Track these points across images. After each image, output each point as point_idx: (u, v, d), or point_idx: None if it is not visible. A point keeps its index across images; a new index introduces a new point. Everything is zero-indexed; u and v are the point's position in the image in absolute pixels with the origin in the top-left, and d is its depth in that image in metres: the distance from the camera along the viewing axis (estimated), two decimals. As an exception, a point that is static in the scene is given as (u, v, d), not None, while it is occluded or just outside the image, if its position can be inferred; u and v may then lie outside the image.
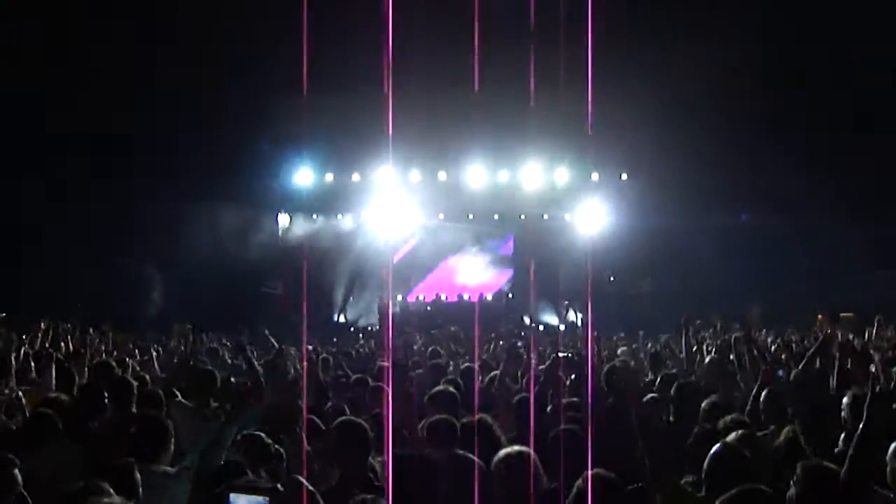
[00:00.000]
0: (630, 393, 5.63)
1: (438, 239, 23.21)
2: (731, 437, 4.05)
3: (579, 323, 19.39)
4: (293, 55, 16.90)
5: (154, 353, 7.80)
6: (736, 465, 3.55)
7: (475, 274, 23.04)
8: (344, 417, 4.23)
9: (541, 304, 20.66)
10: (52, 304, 14.65)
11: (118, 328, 9.50)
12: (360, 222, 22.06)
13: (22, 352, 6.08)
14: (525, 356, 7.70)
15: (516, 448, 3.75)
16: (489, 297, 22.62)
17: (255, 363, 6.03)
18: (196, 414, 5.19)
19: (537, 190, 21.10)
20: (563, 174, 20.91)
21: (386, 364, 6.49)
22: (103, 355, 7.11)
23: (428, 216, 22.75)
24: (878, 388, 3.25)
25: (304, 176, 21.68)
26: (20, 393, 5.21)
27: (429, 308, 22.11)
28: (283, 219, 22.25)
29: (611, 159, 20.53)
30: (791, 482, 3.29)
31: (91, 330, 8.98)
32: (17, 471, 3.48)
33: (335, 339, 14.32)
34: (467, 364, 7.31)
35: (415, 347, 9.80)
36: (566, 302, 19.62)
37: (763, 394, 4.96)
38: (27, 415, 4.83)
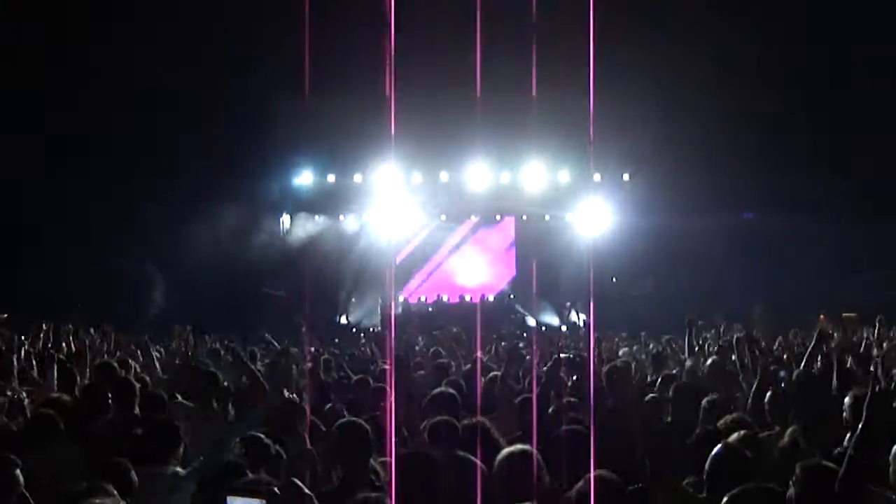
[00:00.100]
0: (631, 394, 5.64)
1: (440, 240, 23.22)
2: (733, 437, 4.06)
3: (581, 324, 19.40)
4: (295, 55, 16.96)
5: (156, 355, 7.79)
6: (737, 466, 3.55)
7: (477, 274, 23.04)
8: (346, 419, 4.22)
9: (543, 304, 20.66)
10: (53, 304, 14.68)
11: (119, 329, 9.48)
12: (362, 223, 22.07)
13: (23, 352, 6.07)
14: (527, 357, 7.70)
15: (519, 446, 3.74)
16: (491, 297, 22.61)
17: (252, 366, 6.03)
18: (198, 415, 5.19)
19: (539, 190, 21.10)
20: (564, 175, 20.91)
21: (387, 366, 6.50)
22: (105, 356, 7.10)
23: (430, 217, 22.76)
24: (877, 388, 3.25)
25: (305, 176, 21.68)
26: (24, 394, 5.21)
27: (430, 309, 22.10)
28: (286, 220, 22.25)
29: (613, 159, 20.53)
30: (790, 482, 3.29)
31: (92, 330, 8.97)
32: (18, 471, 3.48)
33: (337, 340, 14.30)
34: (469, 365, 7.30)
35: (416, 348, 9.80)
36: (568, 304, 19.65)
37: (767, 395, 4.96)
38: (28, 416, 4.83)
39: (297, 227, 21.93)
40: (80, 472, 3.72)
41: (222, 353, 8.01)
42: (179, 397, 5.51)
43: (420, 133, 17.64)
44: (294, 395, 5.78)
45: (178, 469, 3.90)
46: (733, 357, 6.52)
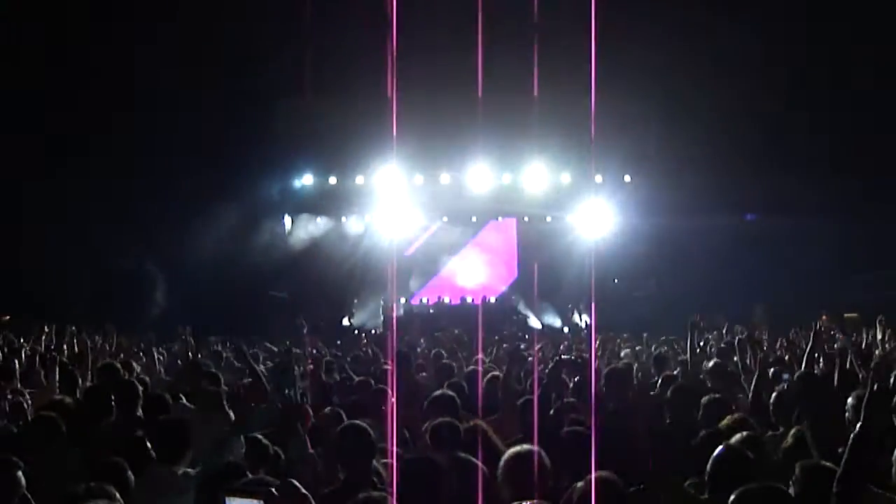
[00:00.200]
0: (632, 395, 5.64)
1: (442, 241, 23.21)
2: (735, 438, 4.05)
3: (583, 325, 19.40)
4: (296, 56, 16.97)
5: (158, 357, 7.80)
6: (739, 467, 3.55)
7: (478, 275, 23.04)
8: (348, 421, 4.22)
9: (544, 305, 20.66)
10: (53, 304, 14.68)
11: (120, 330, 9.49)
12: (364, 225, 22.06)
13: (23, 354, 6.08)
14: (528, 358, 7.70)
15: (526, 447, 3.73)
16: (492, 299, 22.60)
17: (256, 367, 6.03)
18: (199, 417, 5.18)
19: (540, 192, 21.10)
20: (566, 176, 20.91)
21: (388, 367, 6.49)
22: (107, 358, 7.10)
23: (431, 219, 22.76)
24: (875, 387, 3.25)
25: (307, 178, 21.69)
26: (27, 395, 5.21)
27: (431, 311, 22.10)
28: (287, 221, 22.25)
29: (614, 161, 20.51)
30: (790, 482, 3.29)
31: (96, 335, 8.98)
32: (20, 473, 3.47)
33: (339, 342, 14.30)
34: (472, 367, 7.30)
35: (418, 350, 9.79)
36: (569, 305, 19.63)
37: (772, 396, 4.96)
38: (29, 418, 4.82)
39: (299, 229, 21.92)
40: (81, 473, 3.71)
41: (224, 354, 8.02)
42: (183, 398, 5.51)
43: (422, 134, 17.64)
44: (295, 396, 5.79)
45: (189, 470, 3.92)
46: (735, 358, 6.52)
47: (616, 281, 21.49)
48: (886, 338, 8.43)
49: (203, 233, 16.94)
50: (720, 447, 3.72)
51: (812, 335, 5.99)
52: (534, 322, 19.98)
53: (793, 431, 4.29)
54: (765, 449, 4.19)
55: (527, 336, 14.63)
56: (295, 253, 21.13)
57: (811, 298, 16.39)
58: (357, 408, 5.49)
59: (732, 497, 3.06)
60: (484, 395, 6.02)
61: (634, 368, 7.47)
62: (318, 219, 22.21)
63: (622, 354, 9.64)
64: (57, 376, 5.67)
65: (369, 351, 10.14)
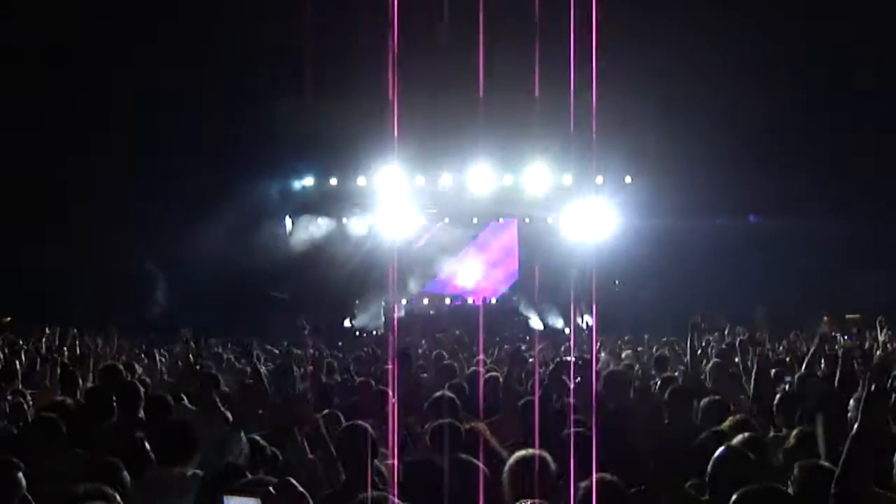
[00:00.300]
0: (633, 396, 5.64)
1: (443, 242, 23.18)
2: (736, 440, 4.05)
3: (585, 326, 19.38)
4: (297, 57, 16.95)
5: (159, 359, 7.80)
6: (740, 468, 3.55)
7: (479, 276, 23.02)
8: (350, 422, 4.22)
9: (546, 307, 20.63)
10: (53, 305, 14.68)
11: (121, 330, 9.49)
12: (367, 225, 22.02)
13: (24, 355, 6.08)
14: (529, 360, 7.69)
15: (530, 451, 3.72)
16: (493, 300, 22.59)
17: (259, 368, 6.02)
18: (200, 418, 5.18)
19: (541, 193, 21.09)
20: (567, 177, 20.90)
21: (388, 367, 6.49)
22: (108, 359, 7.10)
23: (432, 220, 22.74)
24: (873, 387, 3.25)
25: (308, 179, 21.68)
26: (28, 396, 5.20)
27: (432, 312, 22.07)
28: (288, 222, 22.24)
29: (615, 162, 20.50)
30: (789, 482, 3.29)
31: (97, 337, 8.99)
32: (20, 474, 3.46)
33: (340, 343, 14.30)
34: (474, 368, 7.30)
35: (420, 351, 9.77)
36: (574, 307, 19.55)
37: (776, 398, 4.96)
38: (28, 420, 4.82)
39: (300, 230, 21.91)
40: (82, 474, 3.71)
41: (224, 356, 8.03)
42: (184, 400, 5.51)
43: (423, 135, 17.62)
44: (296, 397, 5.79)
45: (198, 471, 3.93)
46: (736, 360, 6.52)
47: (617, 282, 21.48)
48: (887, 339, 8.43)
49: (203, 233, 16.93)
50: (721, 448, 3.72)
51: (817, 338, 5.99)
52: (535, 323, 19.95)
53: (794, 432, 4.29)
54: (766, 450, 4.18)
55: (528, 337, 14.61)
56: (296, 254, 21.11)
57: (813, 300, 16.40)
58: (358, 409, 5.48)
59: (733, 498, 3.06)
60: (482, 395, 6.02)
61: (636, 369, 7.48)
62: (319, 220, 22.19)
63: (623, 356, 9.63)
64: (58, 377, 5.66)
65: (370, 351, 10.13)
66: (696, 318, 7.17)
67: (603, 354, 10.00)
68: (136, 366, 6.87)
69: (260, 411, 4.34)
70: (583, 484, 3.34)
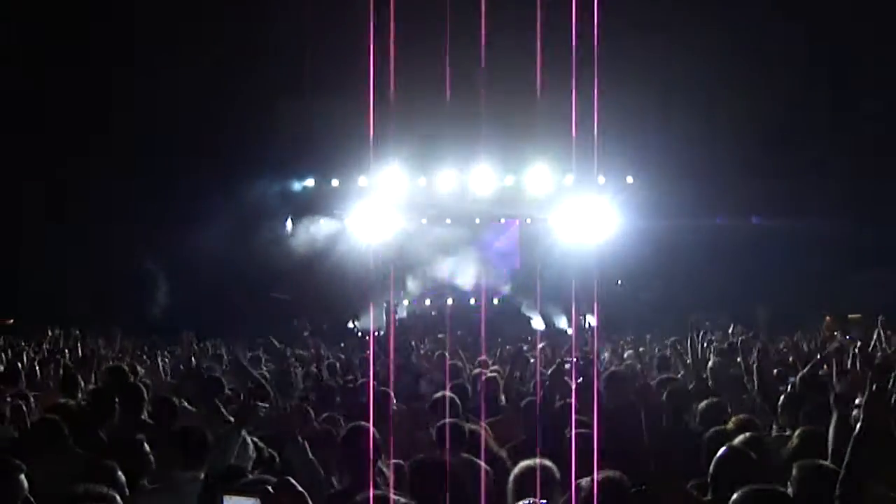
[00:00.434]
0: (635, 397, 5.63)
1: (444, 243, 23.15)
2: (738, 439, 4.04)
3: (587, 326, 19.37)
4: (298, 57, 16.90)
5: (160, 361, 7.78)
6: (742, 468, 3.54)
7: (481, 277, 23.00)
8: (353, 423, 4.22)
9: (547, 307, 20.61)
10: (53, 306, 14.67)
11: (123, 331, 9.50)
12: (368, 226, 21.98)
13: (26, 356, 6.07)
14: (531, 360, 7.69)
15: (536, 461, 3.69)
16: (495, 301, 22.58)
17: (254, 373, 6.01)
18: (202, 420, 5.17)
19: (543, 193, 21.09)
20: (568, 177, 20.90)
21: (389, 368, 6.49)
22: (111, 361, 7.10)
23: (434, 220, 22.74)
24: (875, 387, 3.24)
25: (309, 180, 21.68)
26: (31, 398, 5.19)
27: (434, 313, 22.05)
28: (289, 223, 22.24)
29: (616, 162, 20.50)
30: (788, 482, 3.28)
31: (99, 338, 8.98)
32: (22, 476, 3.45)
33: (343, 345, 14.29)
34: (476, 369, 7.29)
35: (422, 352, 9.76)
36: (578, 310, 19.50)
37: (780, 398, 4.96)
38: (27, 422, 4.80)
39: (301, 231, 21.90)
40: (84, 476, 3.70)
41: (224, 357, 8.02)
42: (186, 402, 5.50)
43: (424, 136, 17.64)
44: (297, 399, 5.79)
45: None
46: (738, 359, 6.51)
47: (619, 282, 21.48)
48: (887, 339, 8.41)
49: (203, 234, 16.93)
50: (723, 448, 3.71)
51: (821, 340, 5.99)
52: (537, 323, 19.95)
53: (797, 432, 4.28)
54: (769, 450, 4.18)
55: (530, 338, 14.59)
56: (296, 255, 21.10)
57: (814, 299, 16.39)
58: (359, 410, 5.48)
59: (732, 499, 3.05)
60: (479, 396, 6.02)
61: (638, 370, 7.47)
62: (321, 221, 22.18)
63: (625, 356, 9.63)
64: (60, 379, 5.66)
65: (373, 352, 10.10)
66: (694, 318, 7.17)
67: (606, 354, 10.01)
68: (139, 367, 6.87)
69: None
70: (584, 482, 3.32)
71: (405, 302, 22.27)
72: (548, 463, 3.60)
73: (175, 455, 4.05)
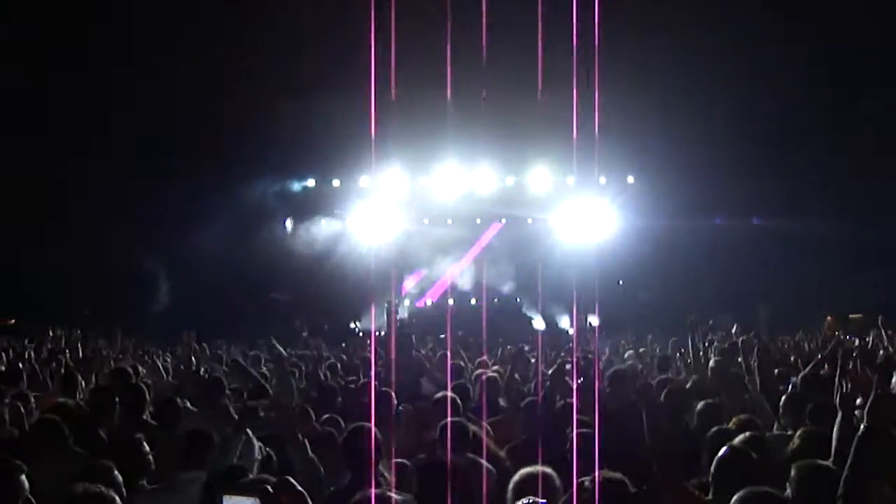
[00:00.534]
0: (636, 397, 5.63)
1: (445, 243, 23.16)
2: (739, 439, 4.04)
3: (588, 326, 19.38)
4: (298, 57, 16.88)
5: (161, 361, 7.79)
6: (743, 468, 3.54)
7: (482, 277, 23.00)
8: (355, 423, 4.22)
9: (548, 307, 20.61)
10: (53, 306, 14.67)
11: (124, 331, 9.50)
12: (369, 226, 21.98)
13: (28, 356, 6.07)
14: (532, 360, 7.69)
15: (537, 468, 3.68)
16: (496, 301, 22.58)
17: (254, 373, 6.01)
18: (203, 420, 5.17)
19: (544, 194, 21.09)
20: (570, 178, 20.91)
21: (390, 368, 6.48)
22: (112, 362, 7.10)
23: (435, 220, 22.74)
24: (880, 390, 3.23)
25: (310, 180, 21.69)
26: (32, 398, 5.18)
27: (435, 313, 22.04)
28: (290, 223, 22.24)
29: (617, 162, 20.51)
30: (787, 483, 3.28)
31: (99, 338, 8.97)
32: (23, 476, 3.45)
33: (344, 345, 14.30)
34: (478, 369, 7.29)
35: (423, 352, 9.75)
36: (581, 311, 19.48)
37: (781, 399, 4.95)
38: (25, 424, 4.79)
39: (301, 231, 21.89)
40: (84, 476, 3.70)
41: (224, 357, 8.01)
42: (188, 402, 5.50)
43: (425, 137, 17.63)
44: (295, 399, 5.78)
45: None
46: (739, 359, 6.51)
47: (621, 283, 21.49)
48: (889, 339, 8.40)
49: (203, 234, 16.93)
50: (724, 448, 3.71)
51: (822, 340, 5.99)
52: (538, 324, 19.95)
53: (799, 432, 4.27)
54: (770, 450, 4.17)
55: (531, 338, 14.59)
56: (296, 256, 21.10)
57: (815, 300, 16.39)
58: (360, 410, 5.47)
59: (732, 501, 3.05)
60: (480, 396, 6.02)
61: (638, 370, 7.47)
62: (322, 221, 22.18)
63: (626, 356, 9.63)
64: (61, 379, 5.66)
65: (375, 352, 10.11)
66: (692, 317, 7.16)
67: (606, 351, 10.01)
68: (140, 367, 6.86)
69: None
70: (587, 481, 3.31)
71: (406, 302, 22.27)
72: (548, 470, 3.59)
73: (177, 455, 4.05)
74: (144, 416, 4.89)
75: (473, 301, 22.20)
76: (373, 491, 3.24)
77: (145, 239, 17.31)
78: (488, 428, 5.12)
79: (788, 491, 3.24)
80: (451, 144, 19.57)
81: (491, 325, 16.17)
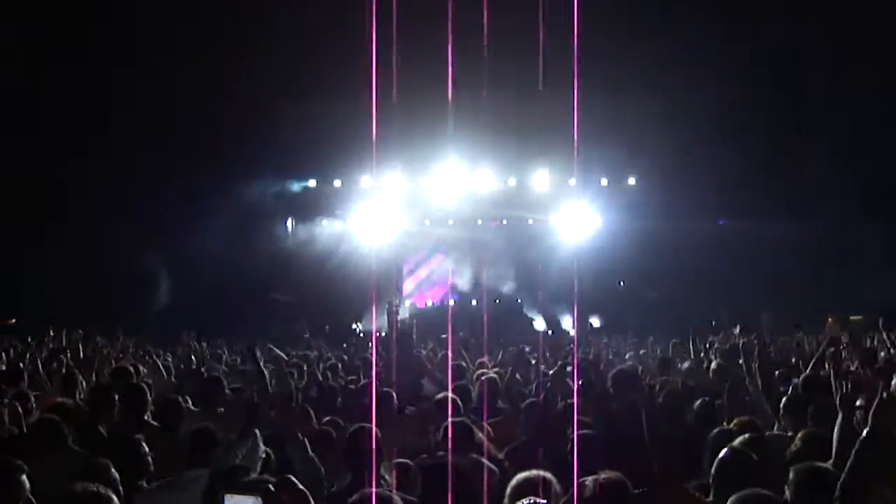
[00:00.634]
0: (642, 398, 5.63)
1: (447, 243, 23.16)
2: (739, 440, 4.04)
3: (590, 327, 19.39)
4: (298, 58, 16.87)
5: (161, 361, 7.79)
6: (743, 469, 3.54)
7: (483, 278, 23.00)
8: (357, 424, 4.22)
9: (549, 307, 20.63)
10: (53, 306, 14.66)
11: (125, 331, 9.50)
12: (370, 227, 21.99)
13: (29, 356, 6.06)
14: (532, 361, 7.68)
15: (535, 472, 3.67)
16: (497, 301, 22.57)
17: (263, 370, 6.01)
18: (203, 419, 5.17)
19: (545, 194, 21.10)
20: (571, 178, 20.93)
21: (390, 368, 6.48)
22: (113, 362, 7.09)
23: (436, 221, 22.74)
24: (884, 395, 3.23)
25: (311, 181, 21.70)
26: (31, 398, 5.17)
27: (436, 314, 22.05)
28: (291, 224, 22.24)
29: (619, 163, 20.52)
30: (785, 486, 3.28)
31: (98, 336, 8.97)
32: (24, 477, 3.45)
33: (345, 345, 14.31)
34: (480, 370, 7.29)
35: (424, 353, 9.75)
36: (582, 312, 19.49)
37: (782, 400, 4.95)
38: (22, 425, 4.79)
39: (302, 232, 21.89)
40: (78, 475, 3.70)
41: (223, 357, 8.01)
42: (189, 402, 5.50)
43: (426, 136, 17.62)
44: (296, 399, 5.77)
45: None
46: (739, 361, 6.50)
47: (622, 283, 21.50)
48: (891, 342, 8.39)
49: (205, 234, 16.92)
50: (724, 449, 3.71)
51: (826, 342, 5.98)
52: (539, 324, 19.96)
53: (801, 434, 4.27)
54: (770, 451, 4.17)
55: (532, 338, 14.60)
56: (297, 256, 21.09)
57: (816, 301, 16.38)
58: (361, 411, 5.47)
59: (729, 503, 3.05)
60: (479, 396, 6.02)
61: (639, 370, 7.46)
62: (323, 221, 22.18)
63: (626, 356, 9.64)
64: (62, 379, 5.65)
65: (377, 352, 10.11)
66: (701, 325, 7.15)
67: (609, 352, 10.01)
68: (141, 367, 6.86)
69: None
70: (588, 482, 3.31)
71: (407, 303, 22.27)
72: (546, 475, 3.58)
73: (179, 455, 4.05)
74: (146, 417, 4.88)
75: (474, 302, 22.19)
76: (374, 490, 3.24)
77: (145, 239, 17.29)
78: (489, 429, 5.12)
79: (787, 493, 3.24)
80: (451, 145, 19.57)
81: (492, 325, 16.18)
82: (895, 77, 16.29)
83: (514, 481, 3.49)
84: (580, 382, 5.93)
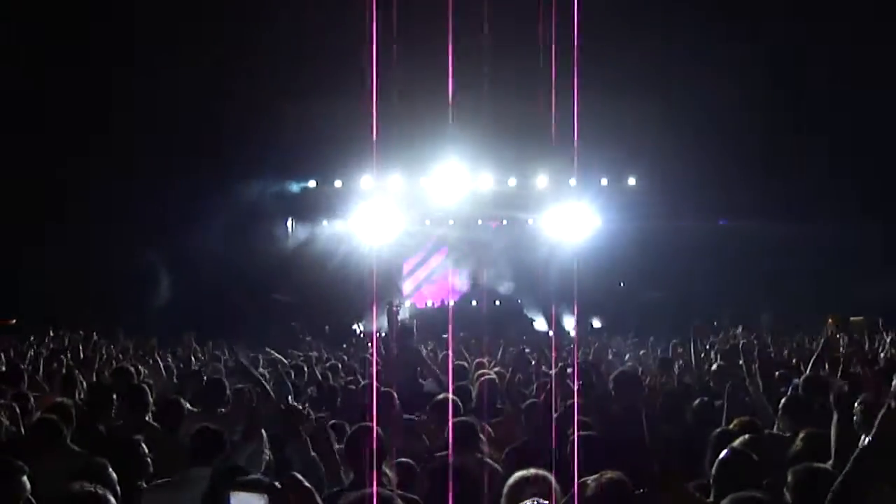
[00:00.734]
0: (643, 398, 5.63)
1: (447, 243, 23.16)
2: (739, 441, 4.04)
3: (590, 328, 19.38)
4: (298, 58, 16.86)
5: (161, 362, 7.78)
6: (744, 470, 3.54)
7: (483, 278, 23.00)
8: (359, 424, 4.22)
9: (550, 308, 20.61)
10: (53, 306, 14.66)
11: (125, 332, 9.50)
12: (370, 228, 21.98)
13: (30, 356, 6.06)
14: (533, 362, 7.68)
15: (533, 471, 3.67)
16: (498, 302, 22.58)
17: (258, 375, 6.01)
18: (203, 420, 5.17)
19: (546, 194, 21.11)
20: (571, 179, 20.93)
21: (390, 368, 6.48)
22: (113, 362, 7.09)
23: (436, 221, 22.75)
24: (892, 404, 3.20)
25: (311, 181, 21.70)
26: (31, 398, 5.17)
27: (436, 314, 22.05)
28: (291, 224, 22.24)
29: (619, 163, 20.52)
30: (784, 488, 3.28)
31: (97, 336, 8.96)
32: (24, 477, 3.45)
33: (345, 346, 14.32)
34: (480, 370, 7.28)
35: (424, 353, 9.75)
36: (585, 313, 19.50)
37: (781, 401, 4.95)
38: (21, 425, 4.79)
39: (302, 232, 21.89)
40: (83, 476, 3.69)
41: (223, 357, 8.01)
42: (188, 403, 5.50)
43: (426, 137, 17.62)
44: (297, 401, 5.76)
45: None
46: (740, 362, 6.51)
47: (622, 284, 21.50)
48: (892, 342, 8.39)
49: (205, 234, 16.92)
50: (725, 450, 3.71)
51: (824, 342, 5.98)
52: (540, 325, 19.95)
53: (801, 435, 4.27)
54: (771, 451, 4.17)
55: (533, 339, 14.60)
56: (297, 257, 21.09)
57: (816, 302, 16.38)
58: (361, 411, 5.47)
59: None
60: (479, 397, 6.02)
61: (639, 371, 7.45)
62: (323, 222, 22.18)
63: (626, 357, 9.64)
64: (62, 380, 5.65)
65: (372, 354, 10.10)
66: (701, 326, 7.15)
67: (609, 353, 10.01)
68: (141, 368, 6.86)
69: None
70: (590, 481, 3.31)
71: (407, 303, 22.27)
72: (544, 473, 3.58)
73: (179, 456, 4.05)
74: (147, 418, 4.88)
75: (474, 302, 22.19)
76: (374, 490, 3.24)
77: (145, 239, 17.29)
78: (489, 429, 5.12)
79: (786, 495, 3.24)
80: (451, 145, 19.56)
81: (492, 326, 16.18)
82: (895, 77, 16.28)
83: (511, 480, 3.49)
84: (580, 383, 5.93)
